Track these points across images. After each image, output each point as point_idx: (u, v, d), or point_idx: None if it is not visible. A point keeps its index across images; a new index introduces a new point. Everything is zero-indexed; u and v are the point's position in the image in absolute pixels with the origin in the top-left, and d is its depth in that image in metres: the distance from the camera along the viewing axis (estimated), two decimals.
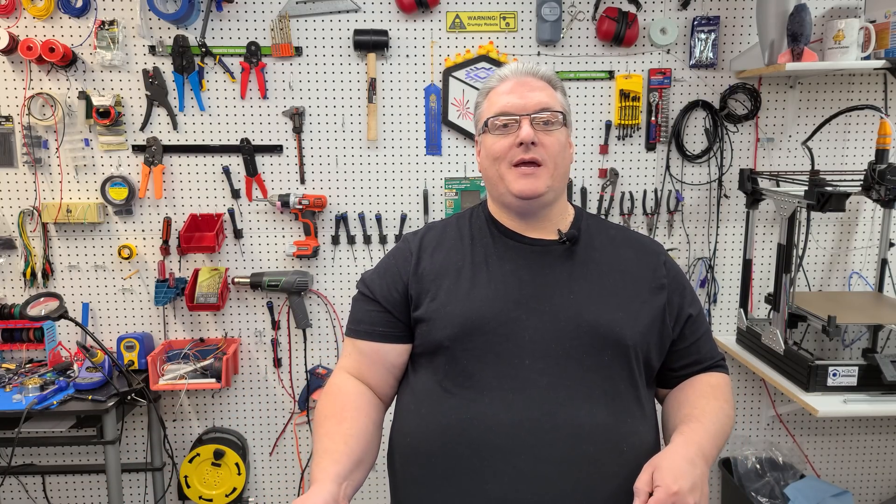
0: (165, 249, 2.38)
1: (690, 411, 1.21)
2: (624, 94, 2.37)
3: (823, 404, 1.95)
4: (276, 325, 2.47)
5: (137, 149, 2.34)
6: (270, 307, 2.45)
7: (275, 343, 2.47)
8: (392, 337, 1.27)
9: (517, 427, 1.12)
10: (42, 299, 2.10)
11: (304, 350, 2.48)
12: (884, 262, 2.37)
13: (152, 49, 2.29)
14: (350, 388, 1.25)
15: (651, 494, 1.04)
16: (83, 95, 2.29)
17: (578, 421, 1.13)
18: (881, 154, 1.96)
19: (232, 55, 2.31)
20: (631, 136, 2.43)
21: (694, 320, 1.29)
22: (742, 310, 2.44)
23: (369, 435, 1.21)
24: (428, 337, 1.22)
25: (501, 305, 1.19)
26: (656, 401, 1.33)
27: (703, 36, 2.35)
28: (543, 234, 1.27)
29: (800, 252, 2.37)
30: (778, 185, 2.26)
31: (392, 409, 1.32)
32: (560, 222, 1.28)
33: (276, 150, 2.38)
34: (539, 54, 2.37)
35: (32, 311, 2.06)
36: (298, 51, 2.33)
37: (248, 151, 2.36)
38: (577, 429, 1.12)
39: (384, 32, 2.30)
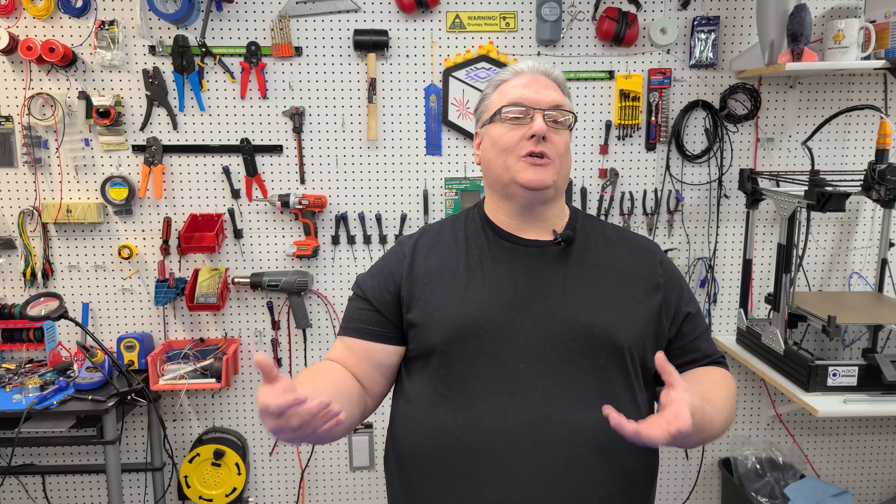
0: (165, 249, 2.38)
1: (700, 389, 1.16)
2: (624, 94, 2.37)
3: (823, 404, 1.95)
4: (276, 325, 2.47)
5: (137, 149, 2.34)
6: (270, 307, 2.45)
7: (275, 343, 2.47)
8: (380, 336, 1.26)
9: (513, 431, 1.12)
10: (42, 299, 2.10)
11: (304, 350, 2.48)
12: (884, 262, 2.37)
13: (152, 49, 2.29)
14: (332, 365, 1.24)
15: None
16: (83, 95, 2.29)
17: (575, 424, 1.12)
18: (881, 154, 1.96)
19: (232, 55, 2.31)
20: (631, 136, 2.43)
21: (692, 318, 1.28)
22: (742, 310, 2.44)
23: (344, 396, 1.17)
24: (422, 341, 1.21)
25: (496, 308, 1.18)
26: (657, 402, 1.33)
27: (703, 36, 2.35)
28: (539, 234, 1.26)
29: (800, 252, 2.36)
30: (778, 185, 2.26)
31: (387, 414, 1.32)
32: (556, 223, 1.28)
33: (276, 150, 2.38)
34: (539, 54, 2.37)
35: (32, 311, 2.06)
36: (298, 51, 2.33)
37: (248, 151, 2.36)
38: (573, 432, 1.12)
39: (384, 32, 2.30)
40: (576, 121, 1.27)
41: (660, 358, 1.01)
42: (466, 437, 1.14)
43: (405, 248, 1.31)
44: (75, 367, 2.27)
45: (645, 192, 2.46)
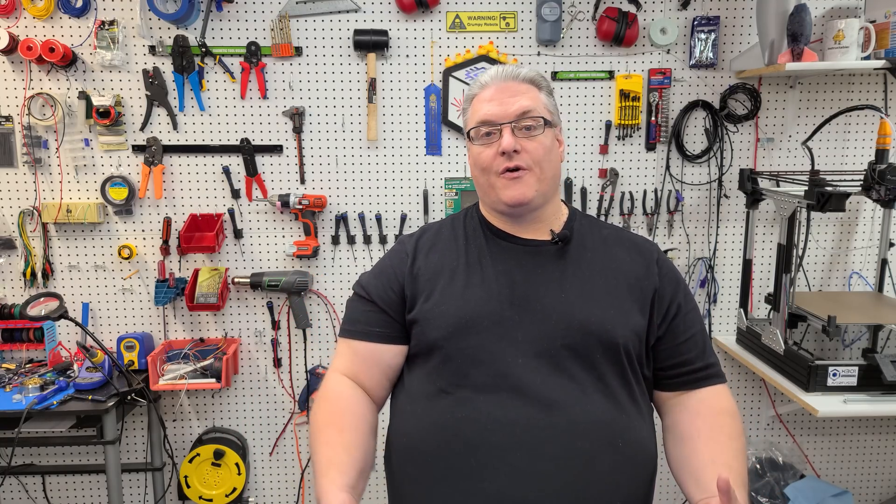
0: (165, 249, 2.38)
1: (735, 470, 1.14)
2: (624, 94, 2.37)
3: (823, 404, 1.95)
4: (276, 325, 2.46)
5: (137, 149, 2.34)
6: (270, 307, 2.45)
7: (275, 343, 2.47)
8: (388, 337, 1.27)
9: (513, 425, 1.13)
10: (42, 299, 2.09)
11: (304, 350, 2.48)
12: (884, 262, 2.37)
13: (152, 49, 2.29)
14: (347, 393, 1.25)
15: None
16: (83, 95, 2.29)
17: (573, 418, 1.14)
18: (881, 154, 1.96)
19: (232, 55, 2.31)
20: (631, 136, 2.43)
21: (685, 316, 1.28)
22: (742, 310, 2.44)
23: (368, 442, 1.21)
24: (422, 337, 1.23)
25: (495, 305, 1.20)
26: (654, 407, 1.33)
27: (703, 36, 2.35)
28: (536, 234, 1.28)
29: (800, 252, 2.36)
30: (778, 185, 2.26)
31: (387, 408, 1.33)
32: (553, 222, 1.30)
33: (276, 150, 2.37)
34: (539, 54, 2.37)
35: (32, 311, 2.06)
36: (298, 51, 2.33)
37: (248, 151, 2.36)
38: (572, 426, 1.13)
39: (384, 32, 2.30)
40: (547, 122, 1.23)
41: (723, 482, 0.98)
42: (466, 432, 1.15)
43: (407, 248, 1.32)
44: (75, 367, 2.27)
45: (645, 192, 2.46)
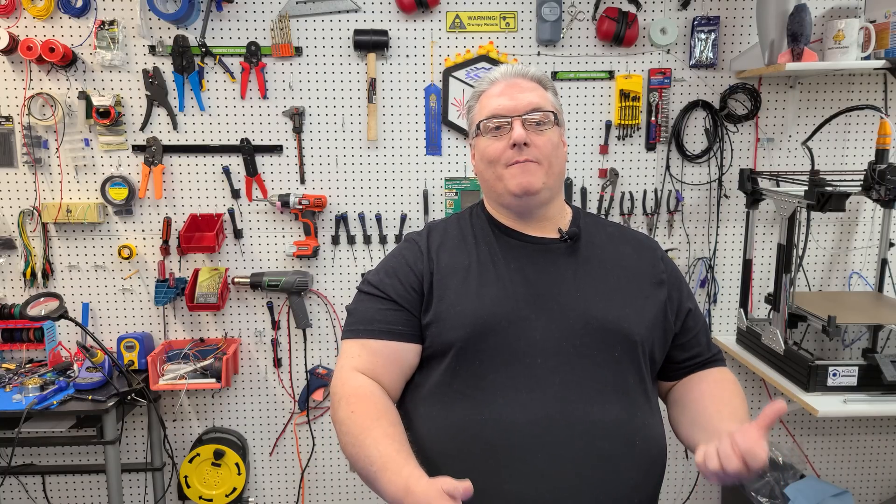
0: (165, 249, 2.38)
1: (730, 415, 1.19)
2: (624, 94, 2.37)
3: (823, 404, 1.95)
4: (276, 325, 2.46)
5: (137, 149, 2.34)
6: (270, 307, 2.45)
7: (275, 343, 2.47)
8: (410, 336, 1.24)
9: (532, 426, 1.13)
10: (42, 299, 2.09)
11: (304, 350, 2.48)
12: (884, 262, 2.37)
13: (152, 49, 2.29)
14: (378, 390, 1.21)
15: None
16: (83, 95, 2.29)
17: (592, 418, 1.14)
18: (881, 154, 1.96)
19: (232, 55, 2.31)
20: (631, 136, 2.43)
21: (693, 314, 1.33)
22: (742, 310, 2.44)
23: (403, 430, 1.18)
24: (438, 338, 1.21)
25: (511, 304, 1.20)
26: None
27: (703, 36, 2.35)
28: (544, 232, 1.28)
29: (800, 252, 2.36)
30: (778, 185, 2.26)
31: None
32: (559, 221, 1.30)
33: (276, 150, 2.38)
34: (539, 54, 2.37)
35: (32, 311, 2.06)
36: (298, 51, 2.33)
37: (248, 151, 2.36)
38: (591, 426, 1.14)
39: (384, 32, 2.30)
40: (556, 117, 1.26)
41: (777, 408, 1.02)
42: (486, 434, 1.14)
43: (420, 245, 1.30)
44: (75, 367, 2.27)
45: (645, 192, 2.46)
